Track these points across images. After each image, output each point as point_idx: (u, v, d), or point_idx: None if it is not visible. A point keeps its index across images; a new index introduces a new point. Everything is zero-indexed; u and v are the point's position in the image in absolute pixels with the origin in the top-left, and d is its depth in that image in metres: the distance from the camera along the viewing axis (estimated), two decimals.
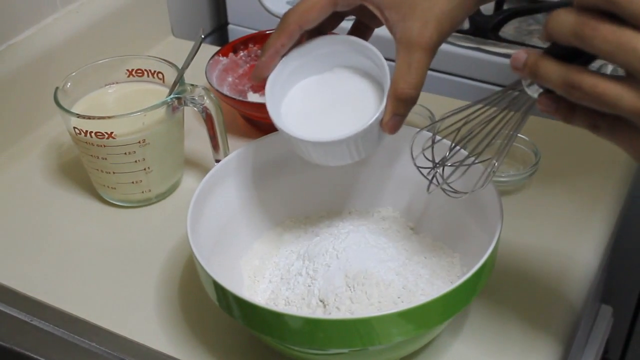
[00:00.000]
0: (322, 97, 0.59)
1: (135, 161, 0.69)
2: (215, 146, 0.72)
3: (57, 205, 0.75)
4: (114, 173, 0.70)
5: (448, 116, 0.52)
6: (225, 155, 0.70)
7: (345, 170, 0.65)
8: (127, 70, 0.74)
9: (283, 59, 0.58)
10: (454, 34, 0.94)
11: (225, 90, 0.82)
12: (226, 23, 1.15)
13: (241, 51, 0.87)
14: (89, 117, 0.67)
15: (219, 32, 1.19)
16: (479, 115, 0.50)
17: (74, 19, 0.87)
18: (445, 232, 0.62)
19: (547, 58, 0.41)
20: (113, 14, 0.91)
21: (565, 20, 0.39)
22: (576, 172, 0.75)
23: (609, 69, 0.70)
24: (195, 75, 0.77)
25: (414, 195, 0.64)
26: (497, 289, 0.61)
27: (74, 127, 0.67)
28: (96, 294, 0.65)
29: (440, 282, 0.57)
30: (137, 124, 0.67)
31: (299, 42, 0.58)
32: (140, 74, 0.74)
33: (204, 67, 0.82)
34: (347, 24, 0.61)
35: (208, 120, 0.70)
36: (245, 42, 0.87)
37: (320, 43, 0.58)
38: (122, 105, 0.70)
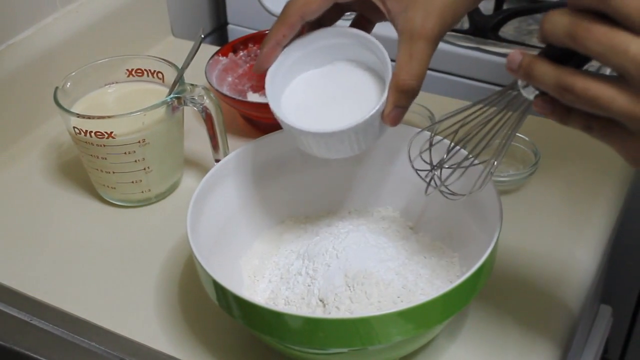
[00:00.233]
0: (324, 89, 0.59)
1: (135, 161, 0.69)
2: (215, 146, 0.72)
3: (57, 205, 0.75)
4: (113, 173, 0.70)
5: (446, 118, 0.51)
6: (225, 155, 0.70)
7: (345, 170, 0.65)
8: (127, 70, 0.74)
9: (284, 50, 0.57)
10: (454, 33, 0.95)
11: (225, 90, 0.82)
12: (226, 23, 1.15)
13: (241, 51, 0.87)
14: (89, 117, 0.67)
15: (218, 32, 1.19)
16: (477, 117, 0.50)
17: (74, 18, 0.87)
18: (445, 232, 0.62)
19: (541, 60, 0.41)
20: (113, 13, 0.91)
21: (558, 22, 0.39)
22: (576, 172, 0.75)
23: (608, 69, 0.70)
24: (195, 75, 0.77)
25: (414, 195, 0.63)
26: (495, 290, 0.61)
27: (74, 127, 0.67)
28: (96, 294, 0.65)
29: (439, 282, 0.57)
30: (136, 123, 0.67)
31: (299, 34, 0.58)
32: (140, 74, 0.74)
33: (204, 67, 0.82)
34: (346, 24, 0.61)
35: (208, 120, 0.70)
36: (245, 42, 0.87)
37: (322, 35, 0.58)
38: (122, 105, 0.70)
